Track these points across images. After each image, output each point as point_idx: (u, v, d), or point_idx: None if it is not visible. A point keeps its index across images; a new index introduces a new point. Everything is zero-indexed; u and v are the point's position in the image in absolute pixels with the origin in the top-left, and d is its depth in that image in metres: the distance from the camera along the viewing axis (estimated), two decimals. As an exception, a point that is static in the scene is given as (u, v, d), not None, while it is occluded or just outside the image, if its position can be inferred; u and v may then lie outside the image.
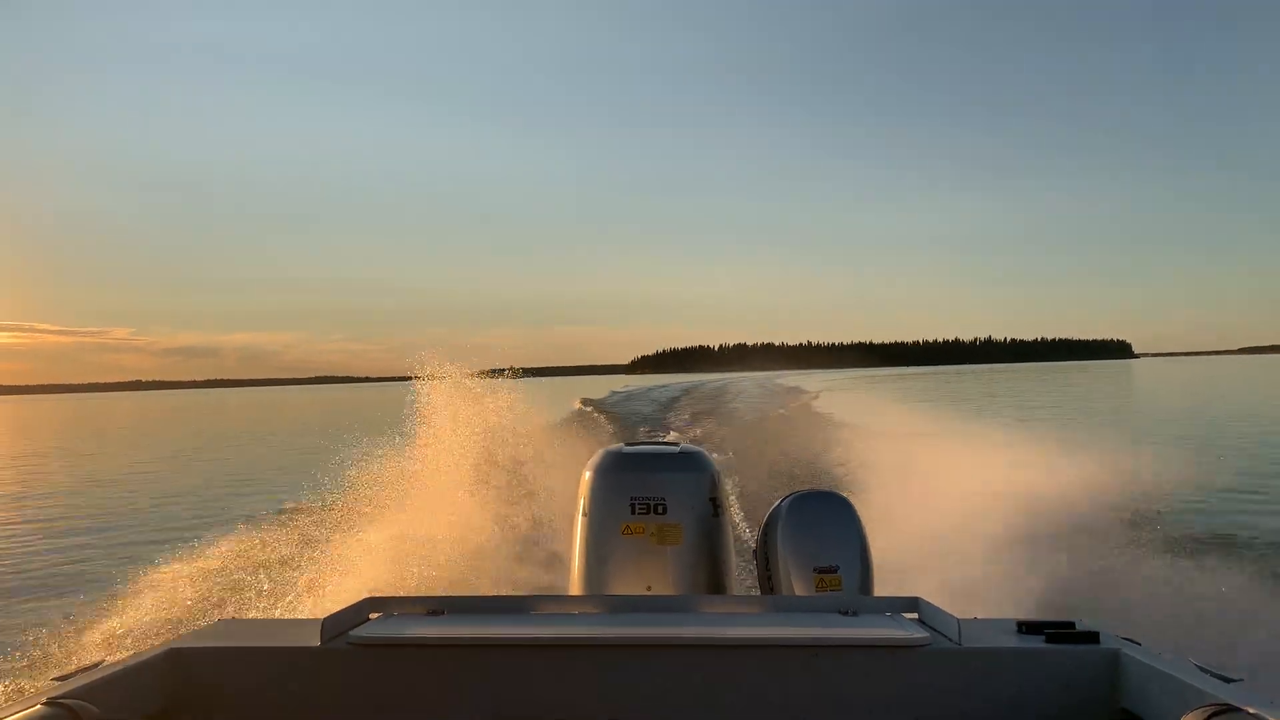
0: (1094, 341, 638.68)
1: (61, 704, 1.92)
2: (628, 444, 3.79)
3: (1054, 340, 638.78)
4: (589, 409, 31.96)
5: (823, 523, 3.46)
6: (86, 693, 2.04)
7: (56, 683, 2.12)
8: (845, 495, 3.64)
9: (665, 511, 3.41)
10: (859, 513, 3.51)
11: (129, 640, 6.79)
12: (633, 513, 3.41)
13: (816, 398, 35.39)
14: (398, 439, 10.69)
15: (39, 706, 1.90)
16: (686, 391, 46.21)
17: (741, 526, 10.67)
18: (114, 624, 7.37)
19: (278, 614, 6.99)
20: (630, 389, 47.21)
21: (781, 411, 28.99)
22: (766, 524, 3.59)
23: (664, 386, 54.13)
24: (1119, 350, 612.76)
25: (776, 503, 3.64)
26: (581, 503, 3.56)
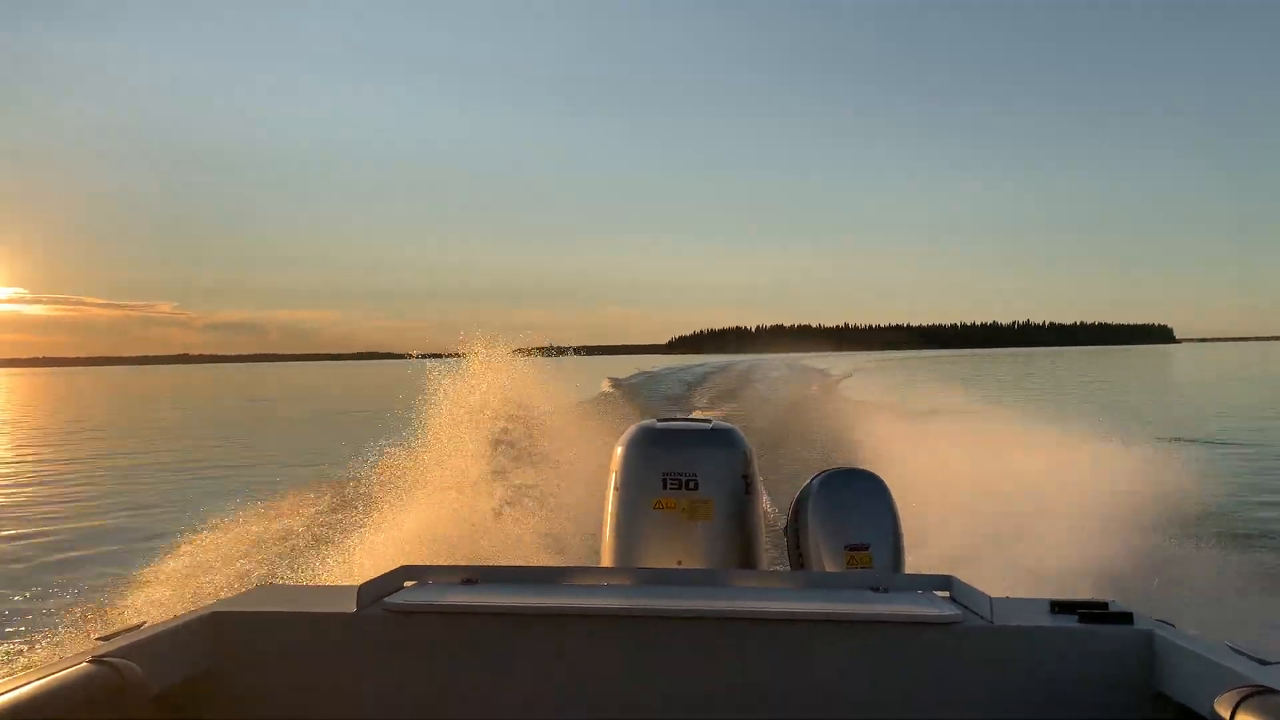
0: (1134, 326, 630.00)
1: (106, 662, 1.95)
2: (660, 419, 3.77)
3: (1094, 324, 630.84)
4: (616, 391, 31.90)
5: (854, 500, 3.45)
6: (130, 652, 2.09)
7: (100, 642, 2.15)
8: (877, 473, 3.61)
9: (697, 487, 3.41)
10: (891, 491, 3.49)
11: (173, 603, 6.92)
12: (664, 487, 3.42)
13: (843, 380, 35.09)
14: (426, 417, 10.63)
15: (85, 665, 1.93)
16: (717, 371, 46.16)
17: (770, 509, 10.62)
18: (158, 589, 7.57)
19: (314, 581, 7.09)
20: (656, 370, 47.05)
21: (810, 393, 28.76)
22: (797, 501, 3.59)
23: (691, 367, 54.14)
24: (1160, 335, 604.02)
25: (808, 480, 3.63)
26: (614, 476, 3.56)
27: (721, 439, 3.60)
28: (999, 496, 8.35)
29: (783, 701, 2.33)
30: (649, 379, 39.45)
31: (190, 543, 9.24)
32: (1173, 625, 2.36)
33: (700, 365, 54.58)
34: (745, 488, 3.52)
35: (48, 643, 6.89)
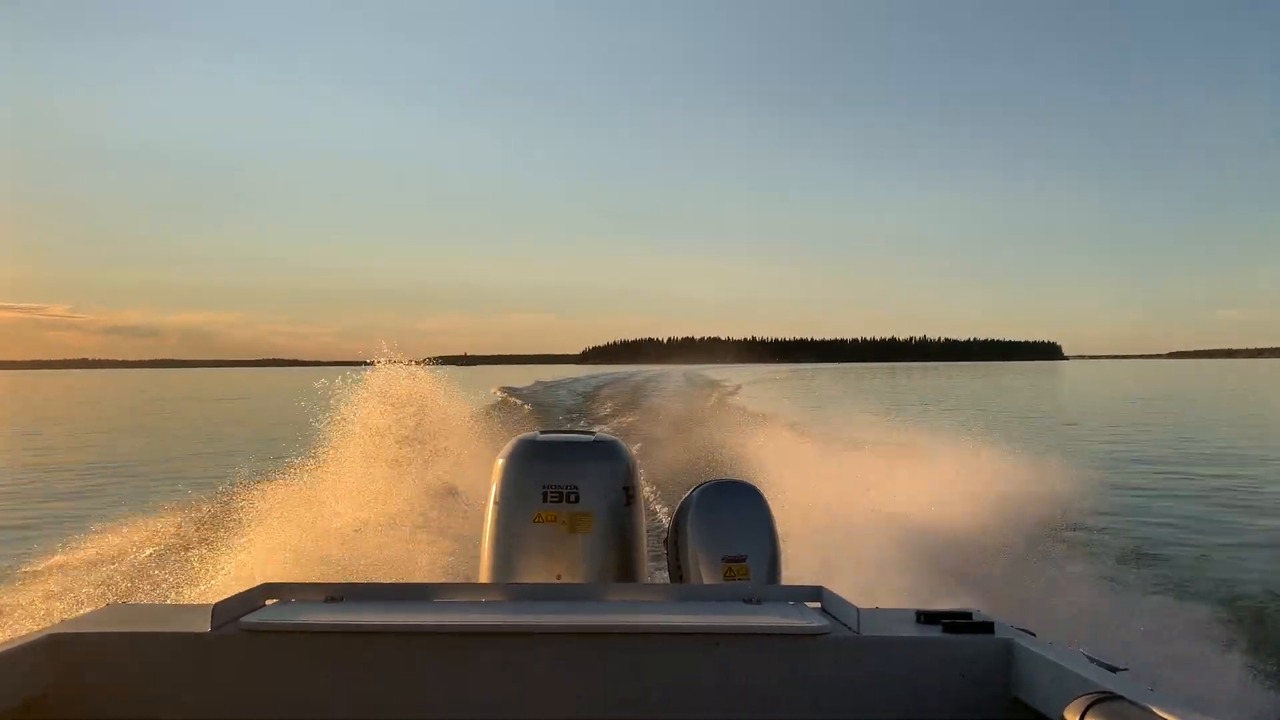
0: (1025, 343, 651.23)
1: None
2: (543, 431, 3.74)
3: (986, 340, 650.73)
4: (511, 397, 31.80)
5: (732, 512, 3.45)
6: None
7: None
8: (756, 485, 3.62)
9: (578, 500, 3.38)
10: (769, 503, 3.50)
11: (9, 623, 6.62)
12: (545, 500, 3.38)
13: (735, 392, 35.50)
14: (318, 427, 10.46)
15: None
16: (616, 380, 46.25)
17: (660, 514, 10.59)
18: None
19: (171, 599, 6.81)
20: (551, 381, 46.96)
21: (703, 404, 29.07)
22: (678, 513, 3.57)
23: (588, 378, 54.33)
24: (1049, 352, 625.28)
25: (688, 492, 3.62)
26: (494, 490, 3.51)
27: (603, 451, 3.56)
28: (874, 506, 8.47)
29: (655, 714, 2.34)
30: (545, 388, 39.36)
31: (39, 557, 8.82)
32: (1033, 634, 2.45)
33: (598, 376, 54.67)
34: (626, 499, 3.49)
35: None
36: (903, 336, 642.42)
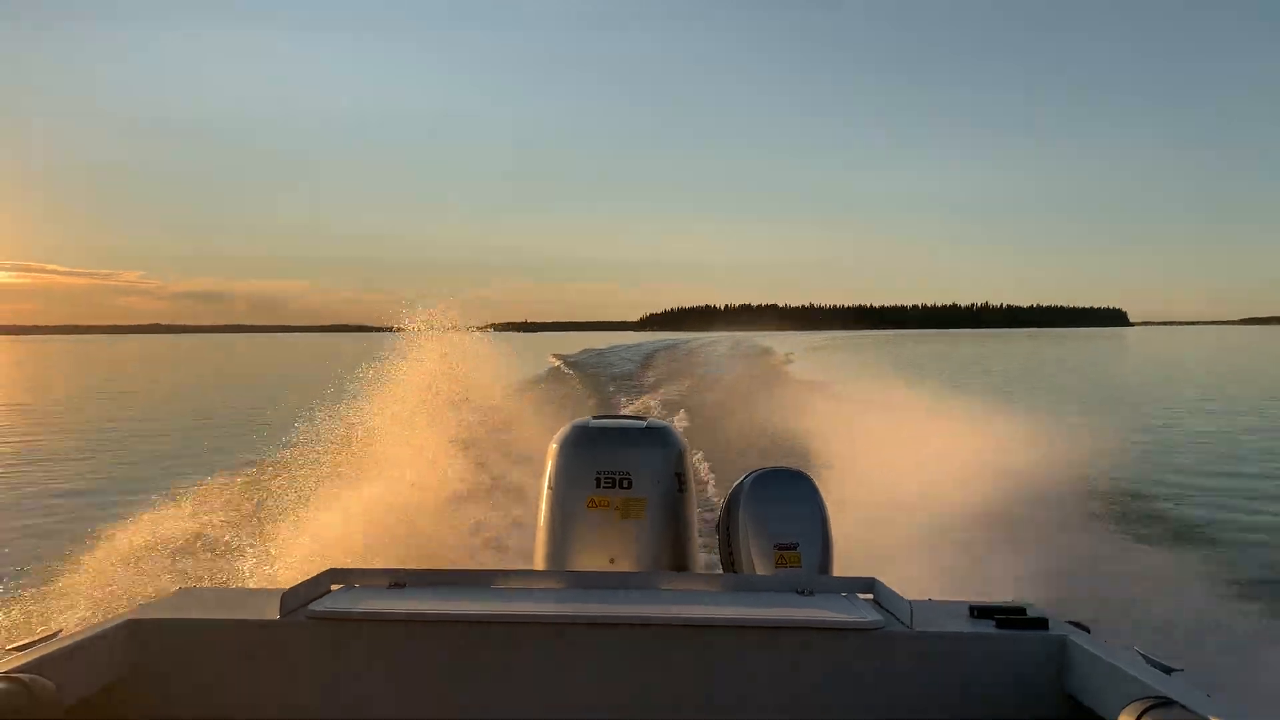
0: (1089, 309, 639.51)
1: (16, 679, 1.92)
2: (595, 417, 3.81)
3: (1049, 307, 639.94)
4: (565, 366, 31.86)
5: (784, 500, 3.47)
6: (43, 665, 2.05)
7: (12, 653, 2.10)
8: (807, 473, 3.63)
9: (630, 486, 3.45)
10: (820, 490, 3.51)
11: (90, 602, 6.66)
12: (598, 486, 3.45)
13: (788, 362, 35.05)
14: (374, 393, 10.47)
15: None
16: (667, 348, 46.07)
17: (709, 486, 10.57)
18: (72, 582, 7.21)
19: (241, 580, 6.95)
20: (603, 349, 47.01)
21: (755, 373, 28.82)
22: (729, 500, 3.61)
23: (640, 345, 54.50)
24: (1114, 318, 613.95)
25: (739, 479, 3.64)
26: (548, 474, 3.58)
27: (655, 437, 3.62)
28: (928, 486, 8.25)
29: (707, 707, 2.37)
30: (597, 356, 39.31)
31: (121, 530, 8.83)
32: (1088, 629, 2.42)
33: (644, 344, 54.72)
34: (678, 486, 3.55)
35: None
36: (964, 303, 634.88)
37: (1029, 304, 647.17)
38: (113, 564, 7.63)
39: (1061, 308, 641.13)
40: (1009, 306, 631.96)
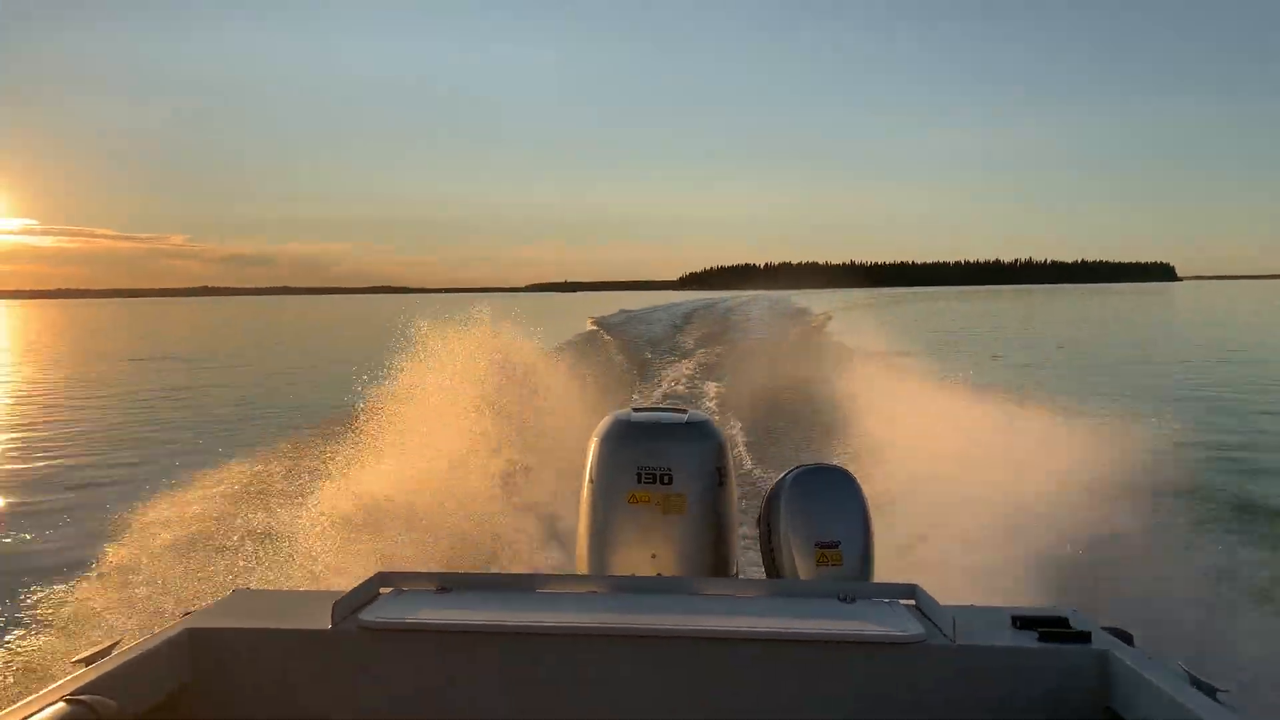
0: (1135, 264, 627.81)
1: (80, 701, 1.97)
2: (636, 410, 3.83)
3: (1095, 263, 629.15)
4: (601, 329, 31.85)
5: (825, 497, 3.51)
6: (105, 682, 2.12)
7: (77, 665, 2.19)
8: (847, 469, 3.67)
9: (671, 481, 3.48)
10: (861, 487, 3.55)
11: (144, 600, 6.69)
12: (639, 481, 3.49)
13: (825, 323, 34.65)
14: (411, 366, 10.65)
15: (60, 704, 1.95)
16: (703, 307, 45.88)
17: (751, 467, 10.62)
18: (128, 578, 7.21)
19: (290, 576, 6.89)
20: (637, 310, 46.75)
21: (786, 339, 28.68)
22: (770, 497, 3.64)
23: (679, 304, 54.25)
24: (1161, 273, 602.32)
25: (780, 476, 3.69)
26: (589, 467, 3.64)
27: (695, 432, 3.65)
28: (970, 471, 8.04)
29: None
30: (630, 319, 39.19)
31: (174, 508, 8.91)
32: (1131, 638, 2.43)
33: (686, 303, 54.47)
34: (719, 480, 3.59)
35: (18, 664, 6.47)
36: (1007, 259, 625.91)
37: (1074, 260, 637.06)
38: (165, 552, 7.58)
39: (1107, 263, 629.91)
40: (1053, 263, 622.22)
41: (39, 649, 6.57)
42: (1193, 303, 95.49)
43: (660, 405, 4.20)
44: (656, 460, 3.50)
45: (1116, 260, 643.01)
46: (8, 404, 24.37)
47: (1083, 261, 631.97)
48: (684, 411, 3.86)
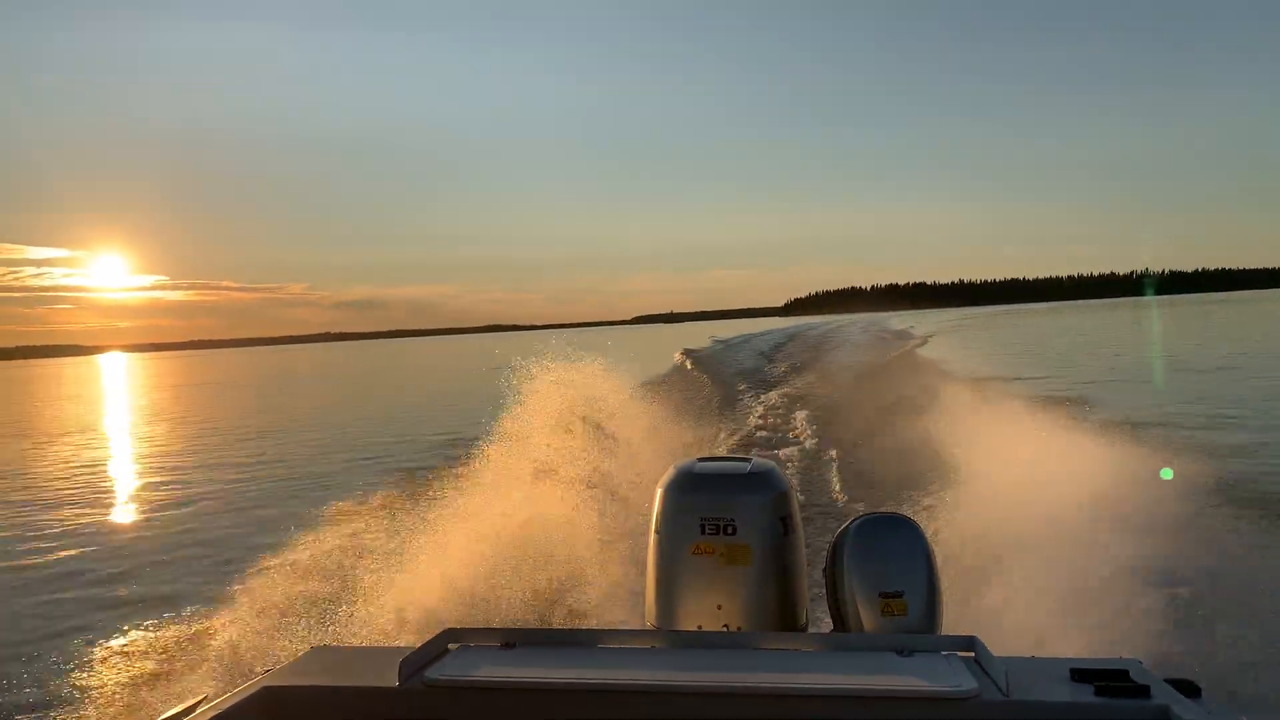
0: (1259, 270, 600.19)
1: None
2: (700, 460, 3.86)
3: (1215, 270, 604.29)
4: (689, 362, 31.80)
5: (889, 547, 3.52)
6: None
7: None
8: (912, 517, 3.68)
9: (735, 532, 3.50)
10: (926, 535, 3.57)
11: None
12: (702, 532, 3.51)
13: (920, 345, 33.99)
14: (515, 409, 10.93)
15: None
16: (793, 338, 45.48)
17: (837, 491, 10.35)
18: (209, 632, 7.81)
19: (362, 628, 7.14)
20: (730, 338, 46.50)
21: (890, 356, 28.18)
22: (834, 546, 3.66)
23: (772, 331, 53.86)
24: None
25: (844, 524, 3.70)
26: (655, 518, 3.68)
27: (759, 481, 3.64)
28: (1054, 511, 7.38)
29: None
30: (722, 348, 39.07)
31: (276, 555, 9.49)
32: (1199, 689, 2.37)
33: (779, 330, 54.14)
34: (784, 530, 3.58)
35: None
36: (1122, 271, 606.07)
37: (1192, 269, 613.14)
38: (249, 606, 7.95)
39: (1229, 270, 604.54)
40: (1171, 273, 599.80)
41: (136, 702, 7.06)
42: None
43: (726, 455, 4.22)
44: (719, 511, 3.51)
45: (1238, 267, 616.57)
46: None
47: (1201, 270, 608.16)
48: (747, 460, 3.86)
